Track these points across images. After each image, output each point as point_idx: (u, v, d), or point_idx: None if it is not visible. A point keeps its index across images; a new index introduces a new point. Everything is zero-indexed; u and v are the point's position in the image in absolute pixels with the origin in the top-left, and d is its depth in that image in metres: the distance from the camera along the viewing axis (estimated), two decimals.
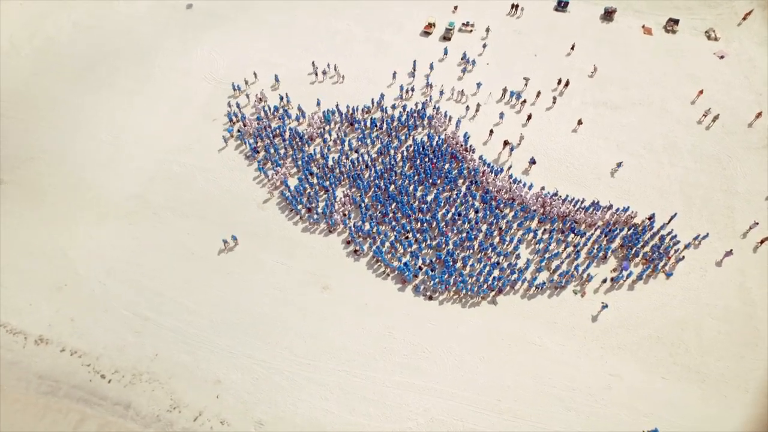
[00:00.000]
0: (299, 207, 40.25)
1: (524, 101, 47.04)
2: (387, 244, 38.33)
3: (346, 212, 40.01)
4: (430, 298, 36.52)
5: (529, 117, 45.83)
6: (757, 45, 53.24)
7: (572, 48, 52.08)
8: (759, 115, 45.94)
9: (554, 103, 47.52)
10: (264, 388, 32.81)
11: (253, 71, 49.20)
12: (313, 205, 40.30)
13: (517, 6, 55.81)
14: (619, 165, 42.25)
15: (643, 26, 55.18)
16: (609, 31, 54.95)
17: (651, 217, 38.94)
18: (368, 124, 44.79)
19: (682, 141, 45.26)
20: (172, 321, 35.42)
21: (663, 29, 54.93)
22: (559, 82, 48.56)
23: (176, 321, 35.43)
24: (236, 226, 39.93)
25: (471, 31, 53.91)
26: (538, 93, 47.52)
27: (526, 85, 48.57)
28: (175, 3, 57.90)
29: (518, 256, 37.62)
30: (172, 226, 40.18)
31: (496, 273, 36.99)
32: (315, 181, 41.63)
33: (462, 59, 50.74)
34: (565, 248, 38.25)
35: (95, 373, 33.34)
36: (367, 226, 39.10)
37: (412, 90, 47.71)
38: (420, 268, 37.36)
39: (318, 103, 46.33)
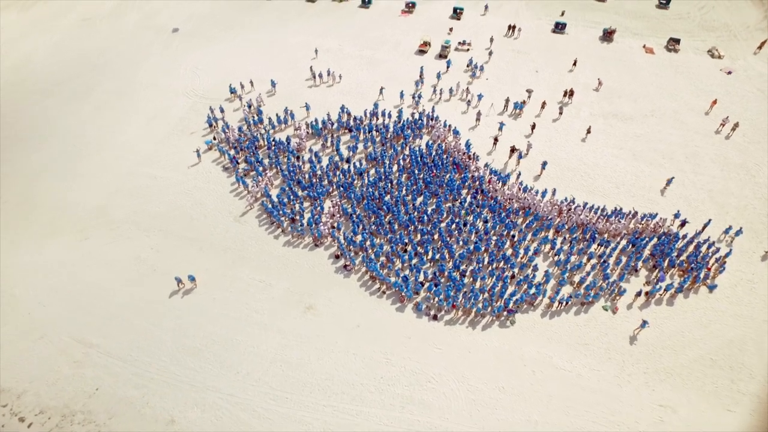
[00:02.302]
0: (282, 218, 35.17)
1: (524, 102, 44.36)
2: (382, 257, 32.92)
3: (335, 224, 34.92)
4: (435, 317, 30.60)
5: (533, 126, 42.29)
6: (763, 62, 51.42)
7: (574, 64, 49.90)
8: None
9: (561, 114, 44.24)
10: (229, 428, 25.90)
11: (249, 80, 46.63)
12: (297, 216, 35.26)
13: (514, 27, 54.41)
14: (669, 182, 37.65)
15: (644, 46, 53.64)
16: (610, 50, 53.25)
17: (680, 219, 34.48)
18: (365, 130, 41.16)
19: (703, 150, 41.55)
20: (122, 348, 29.01)
21: (665, 49, 53.36)
22: (565, 93, 45.65)
23: (127, 348, 29.02)
24: (209, 241, 34.66)
25: (468, 49, 51.92)
26: (543, 103, 44.38)
27: (529, 97, 45.60)
28: (161, 25, 56.33)
29: (536, 268, 32.19)
30: (134, 241, 34.74)
31: (511, 288, 31.42)
32: (301, 193, 36.92)
33: (468, 65, 48.72)
34: (588, 259, 32.98)
35: (12, 415, 26.32)
36: (359, 238, 33.91)
37: (420, 97, 44.74)
38: (421, 284, 31.75)
39: (307, 108, 42.90)
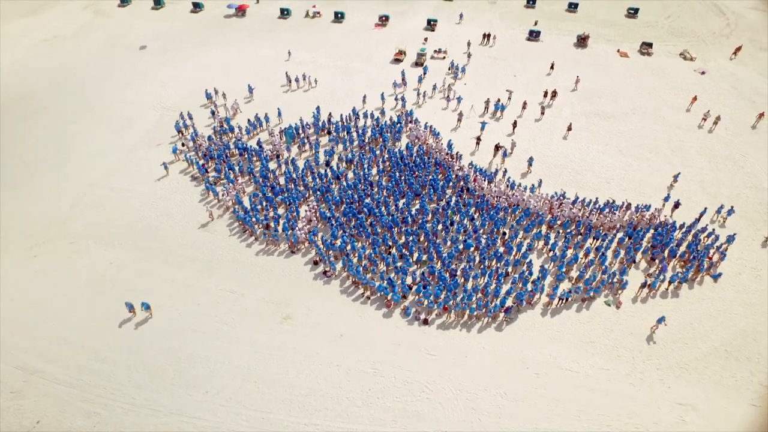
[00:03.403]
0: (255, 225, 32.46)
1: (499, 100, 43.70)
2: (365, 260, 30.33)
3: (311, 228, 32.36)
4: (426, 321, 27.86)
5: (515, 125, 41.17)
6: (734, 64, 51.99)
7: (552, 67, 49.54)
8: (761, 115, 42.57)
9: (543, 114, 43.27)
10: None
11: (222, 92, 44.64)
12: (271, 221, 32.61)
13: (489, 35, 54.23)
14: (676, 177, 36.27)
15: (618, 50, 53.89)
16: (585, 54, 53.30)
17: (672, 202, 33.58)
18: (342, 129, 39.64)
19: (689, 144, 40.82)
20: (70, 372, 25.34)
21: (638, 52, 53.65)
22: (546, 94, 44.88)
23: (76, 372, 25.37)
24: (175, 252, 31.64)
25: (444, 57, 51.25)
26: (525, 103, 43.43)
27: (509, 98, 44.70)
28: (128, 44, 54.53)
29: (530, 264, 29.98)
30: (91, 257, 31.45)
31: (506, 287, 29.08)
32: (277, 199, 34.36)
33: (450, 68, 48.36)
34: (585, 254, 30.98)
35: None
36: (339, 242, 31.32)
37: (403, 100, 43.61)
38: (409, 287, 29.13)
39: (279, 114, 41.06)
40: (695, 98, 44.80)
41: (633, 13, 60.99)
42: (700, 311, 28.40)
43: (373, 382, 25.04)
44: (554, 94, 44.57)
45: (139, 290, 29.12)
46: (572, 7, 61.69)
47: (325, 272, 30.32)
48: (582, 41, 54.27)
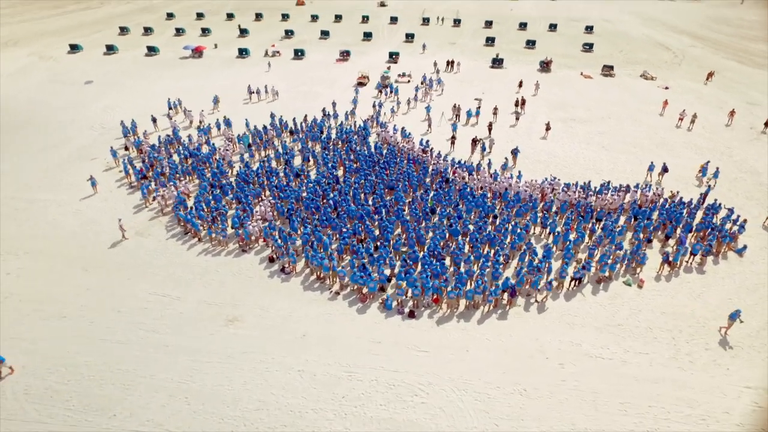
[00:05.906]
0: (198, 223, 26.85)
1: (473, 108, 41.38)
2: (333, 251, 24.90)
3: (266, 223, 26.99)
4: (412, 314, 22.11)
5: (490, 126, 38.54)
6: (693, 82, 52.77)
7: (520, 85, 48.51)
8: (733, 112, 41.74)
9: (517, 119, 41.10)
10: None
11: (184, 107, 41.68)
12: (218, 215, 27.11)
13: (453, 62, 53.73)
14: (705, 167, 32.81)
15: (582, 73, 54.16)
16: (551, 77, 53.09)
17: (662, 168, 31.92)
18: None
19: (671, 140, 39.01)
20: None
21: (601, 75, 54.04)
22: (517, 103, 43.13)
23: None
24: (99, 259, 25.41)
25: (408, 81, 49.78)
26: (495, 108, 41.24)
27: (479, 106, 42.57)
28: (72, 80, 50.87)
29: (529, 245, 25.21)
30: None
31: (507, 272, 24.07)
32: (227, 198, 29.21)
33: (422, 82, 46.94)
34: (591, 232, 26.71)
35: None
36: (300, 234, 26.00)
37: (380, 106, 41.57)
38: (388, 279, 23.65)
39: (229, 125, 37.13)
40: (666, 102, 44.02)
41: (588, 48, 62.96)
42: (735, 285, 23.98)
43: (348, 388, 18.64)
44: (523, 101, 42.84)
45: (41, 301, 22.43)
46: (530, 44, 63.23)
47: (282, 269, 24.54)
48: (545, 66, 54.48)
